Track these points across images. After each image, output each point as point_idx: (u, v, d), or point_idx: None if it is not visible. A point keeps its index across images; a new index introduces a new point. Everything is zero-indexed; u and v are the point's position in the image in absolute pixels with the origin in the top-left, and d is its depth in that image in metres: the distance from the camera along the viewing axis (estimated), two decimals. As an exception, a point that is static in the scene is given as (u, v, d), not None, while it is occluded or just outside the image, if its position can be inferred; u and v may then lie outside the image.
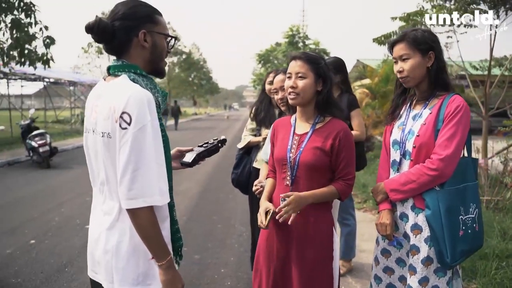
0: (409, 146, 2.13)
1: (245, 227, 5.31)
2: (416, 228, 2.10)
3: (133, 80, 1.56)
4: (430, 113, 2.10)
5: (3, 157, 11.48)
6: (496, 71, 7.10)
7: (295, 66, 2.15)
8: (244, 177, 3.46)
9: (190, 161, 1.95)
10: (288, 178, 2.17)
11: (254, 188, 2.70)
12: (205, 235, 5.24)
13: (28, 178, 9.02)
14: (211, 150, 2.03)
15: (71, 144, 14.78)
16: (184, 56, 47.05)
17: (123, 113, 1.47)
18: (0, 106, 19.90)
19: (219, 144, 2.07)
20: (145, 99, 1.50)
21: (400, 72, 2.17)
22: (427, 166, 2.03)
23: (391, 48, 2.22)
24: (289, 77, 2.17)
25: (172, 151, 2.00)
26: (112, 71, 1.63)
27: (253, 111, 3.51)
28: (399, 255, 2.22)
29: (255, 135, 3.46)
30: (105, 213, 1.65)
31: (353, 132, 3.47)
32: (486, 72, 6.77)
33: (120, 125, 1.47)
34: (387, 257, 2.25)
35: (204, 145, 2.04)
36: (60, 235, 5.15)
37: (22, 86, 20.43)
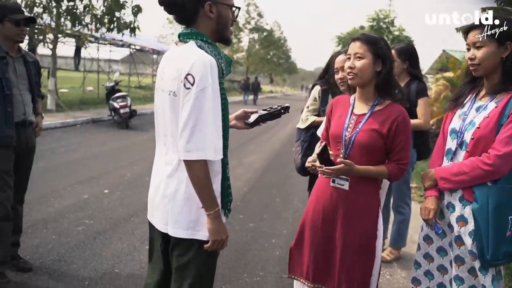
0: (467, 137, 2.09)
1: (302, 204, 5.41)
2: (462, 220, 2.08)
3: (200, 47, 1.72)
4: (496, 107, 2.03)
5: (89, 114, 12.54)
6: None
7: (354, 47, 2.19)
8: None
9: (252, 121, 2.11)
10: (341, 155, 2.23)
11: (307, 164, 2.77)
12: (262, 206, 5.43)
13: (108, 136, 9.80)
14: (273, 115, 2.16)
15: (150, 109, 15.59)
16: (265, 34, 47.20)
17: (188, 74, 1.64)
18: (90, 68, 21.46)
19: (282, 111, 2.18)
20: (209, 64, 1.65)
21: (471, 59, 2.09)
22: (483, 160, 1.99)
23: (465, 34, 2.16)
24: (349, 58, 2.22)
25: (238, 112, 2.17)
26: (182, 38, 1.80)
27: (318, 92, 3.51)
28: (441, 243, 2.22)
29: (317, 115, 3.49)
30: (167, 163, 1.84)
31: (417, 120, 3.42)
32: None
33: (184, 85, 1.65)
34: (429, 244, 2.26)
35: (268, 109, 2.18)
36: (130, 188, 5.62)
37: (110, 51, 21.83)
